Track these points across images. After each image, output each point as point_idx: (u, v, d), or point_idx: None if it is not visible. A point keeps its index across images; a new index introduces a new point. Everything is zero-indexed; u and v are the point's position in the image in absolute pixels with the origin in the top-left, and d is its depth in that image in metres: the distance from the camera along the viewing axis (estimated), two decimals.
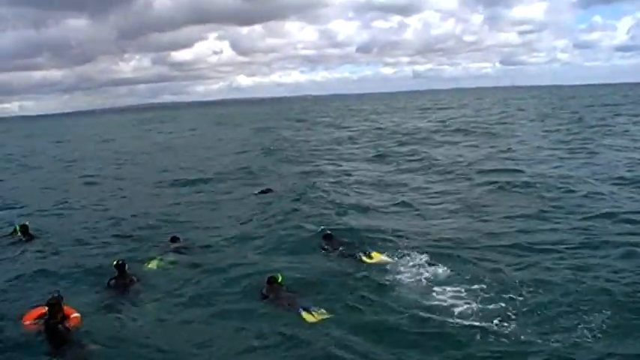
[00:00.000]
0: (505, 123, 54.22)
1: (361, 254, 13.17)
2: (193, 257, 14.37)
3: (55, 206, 22.97)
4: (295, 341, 9.23)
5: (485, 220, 16.93)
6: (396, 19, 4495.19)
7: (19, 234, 17.09)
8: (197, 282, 12.45)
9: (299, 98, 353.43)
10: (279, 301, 10.82)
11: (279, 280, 11.34)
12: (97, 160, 42.01)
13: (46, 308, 9.73)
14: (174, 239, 15.72)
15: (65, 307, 9.82)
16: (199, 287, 12.11)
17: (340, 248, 13.98)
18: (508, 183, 21.79)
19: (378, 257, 12.98)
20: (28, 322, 10.06)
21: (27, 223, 17.63)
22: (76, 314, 10.00)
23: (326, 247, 14.24)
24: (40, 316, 9.97)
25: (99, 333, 9.79)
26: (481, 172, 25.35)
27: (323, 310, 10.21)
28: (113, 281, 12.18)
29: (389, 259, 12.83)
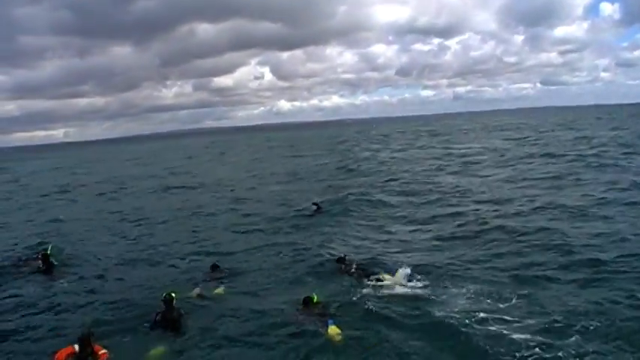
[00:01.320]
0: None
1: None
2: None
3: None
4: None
5: None
6: (435, 42, 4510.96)
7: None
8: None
9: (337, 122, 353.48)
10: (310, 317, 11.41)
11: (315, 300, 11.92)
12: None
13: (76, 346, 9.73)
14: (214, 267, 15.71)
15: (95, 345, 9.88)
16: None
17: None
18: None
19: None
20: None
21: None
22: (103, 351, 9.93)
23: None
24: (69, 355, 9.76)
25: None
26: None
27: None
28: (159, 316, 11.61)
29: None
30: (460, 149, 53.99)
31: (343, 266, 15.03)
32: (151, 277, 15.76)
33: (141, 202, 33.10)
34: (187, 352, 10.48)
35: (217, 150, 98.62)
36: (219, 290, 13.95)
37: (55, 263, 17.08)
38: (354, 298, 12.61)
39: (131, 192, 39.19)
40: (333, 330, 10.52)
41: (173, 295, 11.88)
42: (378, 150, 63.13)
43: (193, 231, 22.40)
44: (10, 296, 14.50)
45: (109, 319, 12.32)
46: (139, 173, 55.32)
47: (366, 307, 11.91)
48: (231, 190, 34.99)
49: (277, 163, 54.91)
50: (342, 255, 15.65)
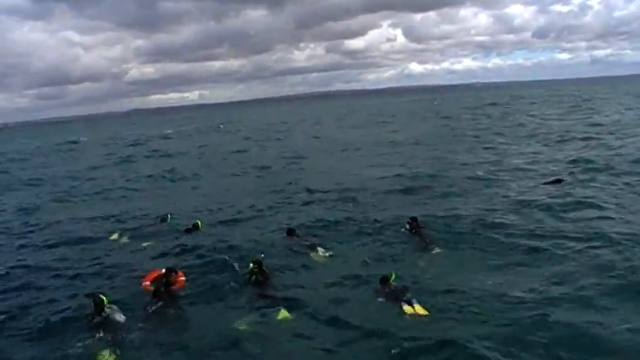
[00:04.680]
0: None
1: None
2: None
3: None
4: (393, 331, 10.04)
5: None
6: (576, 1, 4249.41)
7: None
8: None
9: (467, 86, 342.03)
10: (389, 295, 11.59)
11: (392, 278, 12.13)
12: None
13: (164, 270, 12.49)
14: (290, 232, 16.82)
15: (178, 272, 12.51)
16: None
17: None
18: None
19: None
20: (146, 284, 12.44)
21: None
22: (183, 278, 12.55)
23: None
24: (158, 276, 12.47)
25: None
26: None
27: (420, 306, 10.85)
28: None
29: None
30: None
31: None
32: None
33: None
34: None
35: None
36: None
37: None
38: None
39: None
40: (418, 308, 10.71)
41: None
42: None
43: None
44: None
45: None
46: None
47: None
48: None
49: None
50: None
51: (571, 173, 24.33)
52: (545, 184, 22.41)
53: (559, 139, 38.12)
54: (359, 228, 17.62)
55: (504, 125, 52.45)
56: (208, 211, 21.88)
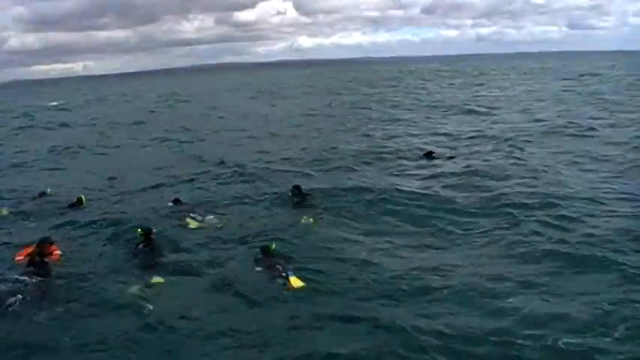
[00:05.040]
0: None
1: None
2: None
3: None
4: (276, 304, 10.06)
5: None
6: None
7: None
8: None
9: (356, 60, 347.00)
10: (270, 267, 11.47)
11: (272, 247, 12.11)
12: None
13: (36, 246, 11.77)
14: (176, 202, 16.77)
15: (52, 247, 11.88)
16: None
17: None
18: None
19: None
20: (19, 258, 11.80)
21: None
22: (58, 252, 11.96)
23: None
24: (30, 253, 11.74)
25: None
26: None
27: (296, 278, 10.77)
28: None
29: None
30: None
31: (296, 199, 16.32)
32: None
33: None
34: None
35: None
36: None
37: None
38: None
39: None
40: (294, 281, 10.66)
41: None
42: None
43: None
44: None
45: None
46: None
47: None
48: None
49: None
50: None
51: (467, 146, 25.50)
52: (424, 156, 23.22)
53: (453, 112, 40.00)
54: (249, 199, 17.64)
55: (397, 98, 53.91)
56: (99, 184, 21.15)
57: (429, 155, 22.99)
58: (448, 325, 8.94)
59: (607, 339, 8.32)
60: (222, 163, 23.89)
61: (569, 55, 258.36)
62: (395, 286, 10.57)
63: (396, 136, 29.77)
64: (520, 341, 8.31)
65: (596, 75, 78.25)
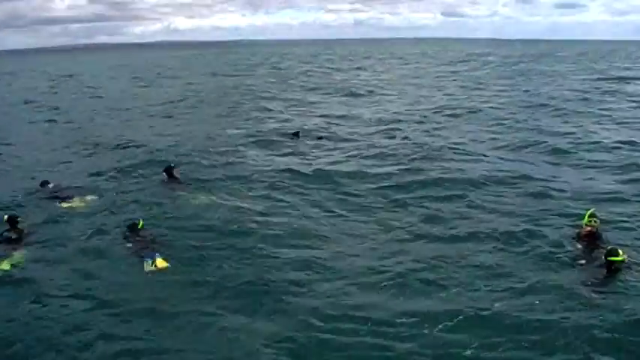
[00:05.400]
0: None
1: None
2: None
3: None
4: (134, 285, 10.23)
5: None
6: None
7: None
8: None
9: (234, 42, 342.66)
10: (138, 243, 11.76)
11: (140, 225, 12.30)
12: None
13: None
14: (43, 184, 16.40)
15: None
16: None
17: None
18: None
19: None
20: None
21: None
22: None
23: None
24: None
25: None
26: None
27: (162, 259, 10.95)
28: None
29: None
30: None
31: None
32: None
33: None
34: None
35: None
36: None
37: None
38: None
39: None
40: (160, 262, 10.76)
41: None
42: None
43: None
44: None
45: None
46: None
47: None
48: None
49: None
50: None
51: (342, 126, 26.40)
52: (293, 135, 24.02)
53: (334, 94, 41.83)
54: (125, 178, 17.82)
55: (274, 81, 54.31)
56: None
57: (296, 135, 23.88)
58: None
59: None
60: (98, 145, 23.55)
61: (445, 41, 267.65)
62: (271, 264, 10.96)
63: (271, 118, 30.56)
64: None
65: (474, 61, 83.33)
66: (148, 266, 10.72)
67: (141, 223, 12.32)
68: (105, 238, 12.46)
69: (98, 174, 18.29)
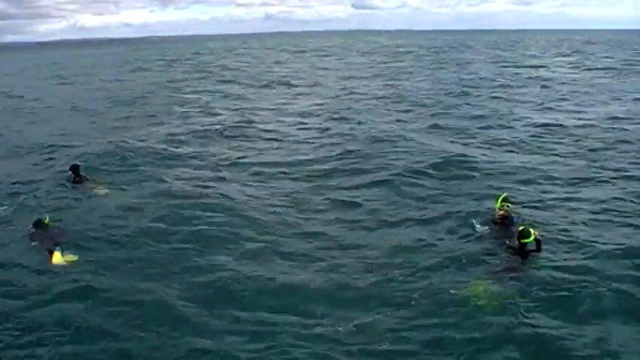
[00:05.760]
0: None
1: None
2: None
3: None
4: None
5: None
6: None
7: None
8: None
9: (143, 39, 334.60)
10: (43, 240, 11.61)
11: (46, 221, 12.16)
12: None
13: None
14: None
15: None
16: None
17: None
18: None
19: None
20: None
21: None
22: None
23: None
24: None
25: None
26: None
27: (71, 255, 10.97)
28: None
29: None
30: None
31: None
32: None
33: None
34: None
35: None
36: None
37: None
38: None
39: None
40: (56, 256, 10.71)
41: None
42: None
43: None
44: None
45: None
46: None
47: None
48: None
49: None
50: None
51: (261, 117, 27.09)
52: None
53: (252, 86, 42.27)
54: (37, 179, 17.21)
55: (187, 76, 53.70)
56: None
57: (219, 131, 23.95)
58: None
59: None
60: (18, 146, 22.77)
61: (356, 33, 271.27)
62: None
63: (188, 112, 30.37)
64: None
65: (386, 52, 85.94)
66: (55, 259, 10.66)
67: (47, 219, 12.17)
68: (13, 238, 12.25)
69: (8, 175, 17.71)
